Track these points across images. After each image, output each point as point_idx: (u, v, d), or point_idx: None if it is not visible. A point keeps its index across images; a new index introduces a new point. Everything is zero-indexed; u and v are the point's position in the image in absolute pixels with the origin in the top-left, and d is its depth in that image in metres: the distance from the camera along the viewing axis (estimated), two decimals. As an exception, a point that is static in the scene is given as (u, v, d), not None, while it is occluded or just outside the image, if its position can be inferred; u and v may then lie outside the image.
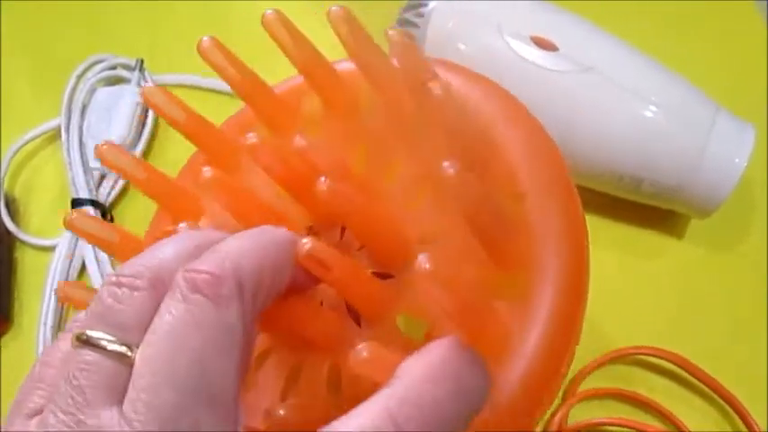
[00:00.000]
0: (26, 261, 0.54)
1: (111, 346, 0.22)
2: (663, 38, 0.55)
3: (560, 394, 0.47)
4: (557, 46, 0.46)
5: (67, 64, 0.57)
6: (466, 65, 0.47)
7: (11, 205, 0.55)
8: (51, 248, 0.53)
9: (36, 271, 0.53)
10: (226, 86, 0.58)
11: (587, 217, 0.52)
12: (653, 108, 0.46)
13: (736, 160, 0.45)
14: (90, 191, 0.53)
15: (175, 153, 0.56)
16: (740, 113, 0.47)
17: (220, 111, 0.58)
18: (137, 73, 0.57)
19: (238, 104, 0.58)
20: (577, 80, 0.46)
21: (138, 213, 0.55)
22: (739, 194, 0.46)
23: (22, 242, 0.54)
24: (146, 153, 0.56)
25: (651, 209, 0.50)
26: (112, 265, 0.51)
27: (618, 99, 0.46)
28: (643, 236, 0.52)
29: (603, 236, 0.52)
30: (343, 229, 0.33)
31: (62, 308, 0.50)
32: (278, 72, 0.57)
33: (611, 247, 0.52)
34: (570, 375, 0.47)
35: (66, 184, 0.54)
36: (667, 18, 0.59)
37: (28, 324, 0.51)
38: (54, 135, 0.57)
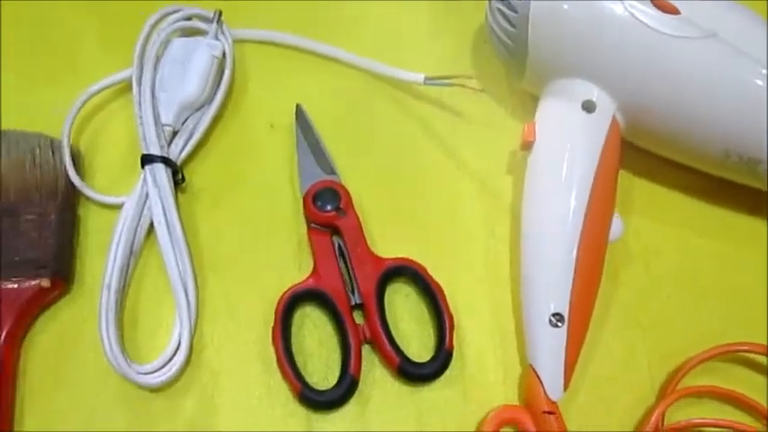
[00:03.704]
0: (90, 219, 0.51)
1: None
2: None
3: (656, 393, 0.45)
4: (678, 9, 0.43)
5: (140, 12, 0.53)
6: (571, 27, 0.43)
7: (76, 159, 0.51)
8: (118, 206, 0.49)
9: (101, 230, 0.50)
10: (308, 44, 0.55)
11: (685, 200, 0.49)
12: (785, 82, 0.43)
13: None
14: (161, 147, 0.49)
15: (249, 116, 0.55)
16: None
17: (300, 68, 0.55)
18: (214, 25, 0.54)
19: (320, 63, 0.55)
20: (700, 47, 0.43)
21: (210, 174, 0.52)
22: None
23: (87, 198, 0.51)
24: (219, 113, 0.53)
25: (759, 193, 0.48)
26: (181, 227, 0.48)
27: (745, 70, 0.43)
28: (747, 223, 0.50)
29: (702, 222, 0.50)
30: None
31: (127, 270, 0.48)
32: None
33: (711, 235, 0.50)
34: (667, 373, 0.45)
35: (135, 139, 0.50)
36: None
37: (89, 287, 0.48)
38: (124, 87, 0.54)
